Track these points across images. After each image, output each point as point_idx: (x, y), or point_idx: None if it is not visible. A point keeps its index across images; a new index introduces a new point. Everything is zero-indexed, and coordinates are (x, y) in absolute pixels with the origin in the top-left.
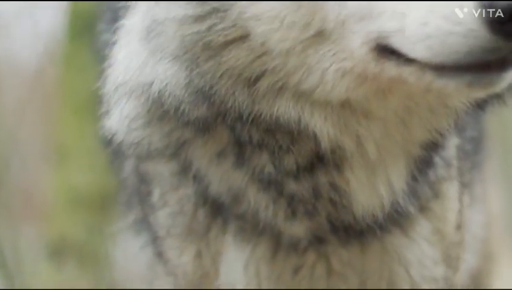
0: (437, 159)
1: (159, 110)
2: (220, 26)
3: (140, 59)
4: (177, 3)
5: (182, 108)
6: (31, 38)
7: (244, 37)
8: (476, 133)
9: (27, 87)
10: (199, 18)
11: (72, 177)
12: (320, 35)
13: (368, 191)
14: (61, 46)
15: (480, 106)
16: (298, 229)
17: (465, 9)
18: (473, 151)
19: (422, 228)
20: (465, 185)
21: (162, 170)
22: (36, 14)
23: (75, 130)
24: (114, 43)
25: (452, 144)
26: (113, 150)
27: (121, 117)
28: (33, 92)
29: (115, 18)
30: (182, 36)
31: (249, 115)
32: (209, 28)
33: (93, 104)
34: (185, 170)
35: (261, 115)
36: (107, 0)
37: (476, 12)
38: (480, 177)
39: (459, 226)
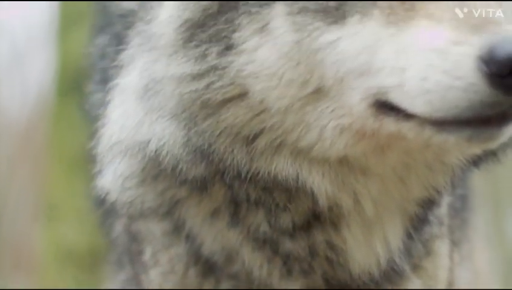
0: (431, 217)
1: (154, 169)
2: (218, 84)
3: (136, 118)
4: (175, 61)
5: (180, 167)
6: (20, 95)
7: (242, 95)
8: (464, 191)
9: (17, 144)
10: (197, 76)
11: (62, 234)
12: (319, 92)
13: (365, 249)
14: (50, 104)
15: (476, 163)
16: (293, 288)
17: (465, 64)
18: (462, 209)
19: (414, 285)
20: (455, 243)
21: (154, 229)
22: (24, 72)
23: (64, 187)
24: (107, 103)
25: (444, 202)
26: (104, 209)
27: (115, 176)
28: (23, 149)
29: (105, 79)
30: (180, 94)
31: (247, 172)
32: (208, 86)
33: (83, 162)
34: (177, 229)
35: (258, 172)
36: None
37: (476, 66)
38: (467, 234)
39: (449, 284)
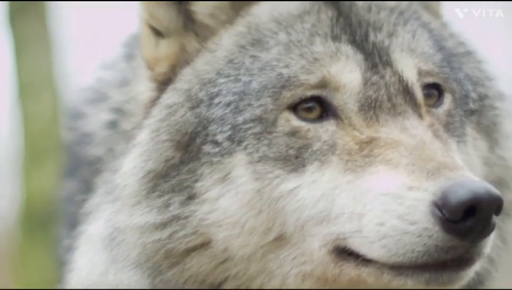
0: None
1: None
2: (181, 234)
3: (102, 266)
4: (138, 211)
5: None
6: None
7: (206, 244)
8: None
9: None
10: (160, 226)
11: None
12: (281, 240)
13: None
14: (15, 241)
15: None
16: None
17: (419, 209)
18: None
19: None
20: None
21: None
22: None
23: None
24: (75, 249)
25: None
26: None
27: None
28: None
29: (74, 224)
30: (144, 244)
31: None
32: (171, 236)
33: None
34: None
35: None
36: None
37: (430, 211)
38: None
39: None
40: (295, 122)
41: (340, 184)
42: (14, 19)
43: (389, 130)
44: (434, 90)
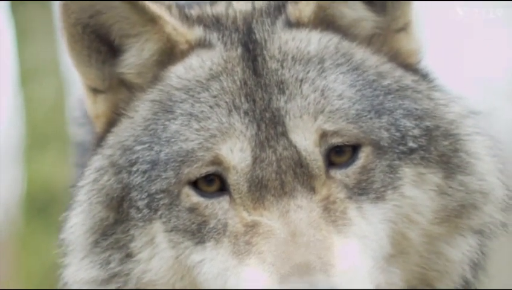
0: None
1: None
2: None
3: None
4: (84, 266)
5: None
6: None
7: None
8: None
9: None
10: (103, 281)
11: None
12: None
13: None
14: (16, 229)
15: None
16: None
17: None
18: None
19: None
20: None
21: None
22: None
23: None
24: None
25: None
26: None
27: None
28: None
29: None
30: None
31: None
32: None
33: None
34: None
35: None
36: None
37: None
38: None
39: None
40: (194, 198)
41: (229, 267)
42: (17, 4)
43: (270, 214)
44: (346, 148)
